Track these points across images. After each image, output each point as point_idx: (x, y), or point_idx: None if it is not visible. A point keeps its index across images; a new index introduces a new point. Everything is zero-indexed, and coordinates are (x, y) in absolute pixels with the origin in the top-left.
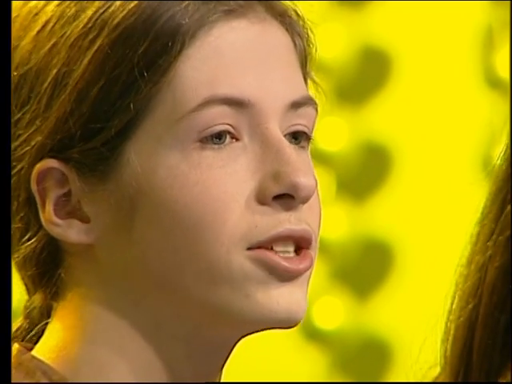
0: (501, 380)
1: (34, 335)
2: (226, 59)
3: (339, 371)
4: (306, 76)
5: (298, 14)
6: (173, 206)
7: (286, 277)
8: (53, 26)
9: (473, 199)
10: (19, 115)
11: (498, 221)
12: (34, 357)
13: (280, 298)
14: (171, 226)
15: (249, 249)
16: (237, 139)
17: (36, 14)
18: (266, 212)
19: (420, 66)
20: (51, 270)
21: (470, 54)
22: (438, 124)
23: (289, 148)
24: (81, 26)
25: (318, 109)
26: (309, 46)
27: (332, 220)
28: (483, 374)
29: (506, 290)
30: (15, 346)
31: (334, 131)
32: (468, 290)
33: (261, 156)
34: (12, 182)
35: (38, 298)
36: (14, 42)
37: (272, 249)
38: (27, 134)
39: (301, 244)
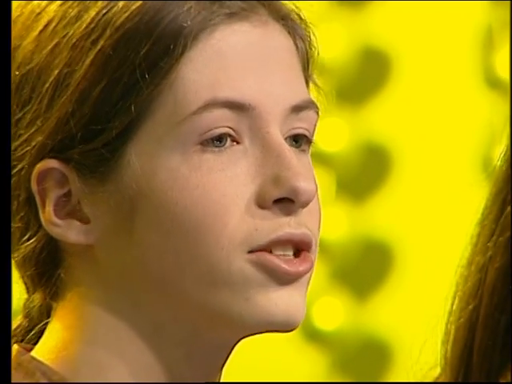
0: (501, 380)
1: (33, 335)
2: (228, 62)
3: (339, 371)
4: (307, 79)
5: (300, 17)
6: (173, 209)
7: (286, 279)
8: (55, 26)
9: (473, 200)
10: (20, 115)
11: (498, 222)
12: (33, 357)
13: (279, 300)
14: (171, 229)
15: (249, 252)
16: (237, 142)
17: (38, 14)
18: (266, 216)
19: (420, 66)
20: (51, 269)
21: (470, 54)
22: (438, 124)
23: (289, 152)
24: (83, 27)
25: (320, 112)
26: (311, 49)
27: (332, 220)
28: (483, 374)
29: (506, 291)
30: (15, 347)
31: (334, 131)
32: (468, 290)
33: (261, 160)
34: (12, 181)
35: (37, 297)
36: (16, 42)
37: (271, 252)
38: (28, 133)
39: (301, 248)
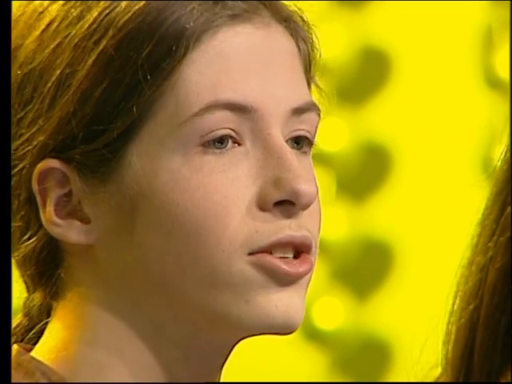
0: (502, 380)
1: (33, 334)
2: (230, 64)
3: (339, 371)
4: (309, 81)
5: (303, 19)
6: (174, 210)
7: (286, 281)
8: (57, 26)
9: (473, 200)
10: (22, 114)
11: (498, 222)
12: (33, 357)
13: (279, 301)
14: (172, 230)
15: (249, 254)
16: (239, 144)
17: (41, 13)
18: (266, 218)
19: (420, 66)
20: (51, 269)
21: (470, 54)
22: (438, 124)
23: (290, 154)
24: (86, 27)
25: (321, 114)
26: (313, 50)
27: (332, 220)
28: (484, 374)
29: (507, 291)
30: (14, 347)
31: (334, 131)
32: (469, 291)
33: (262, 162)
34: (13, 181)
35: (37, 296)
36: (18, 41)
37: (271, 254)
38: (29, 133)
39: (301, 250)
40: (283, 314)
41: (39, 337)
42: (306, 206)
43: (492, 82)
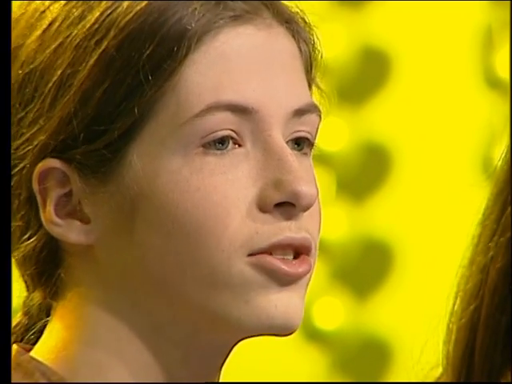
0: (502, 380)
1: (33, 334)
2: (232, 65)
3: (339, 371)
4: (310, 82)
5: (304, 21)
6: (174, 211)
7: (286, 281)
8: (59, 26)
9: (472, 200)
10: (22, 114)
11: (499, 222)
12: (32, 357)
13: (278, 302)
14: (172, 231)
15: (249, 255)
16: (239, 145)
17: (42, 12)
18: (266, 220)
19: (420, 66)
20: (51, 269)
21: (470, 54)
22: (438, 124)
23: (291, 156)
24: (87, 27)
25: (322, 115)
26: (314, 52)
27: (332, 220)
28: (485, 374)
29: (508, 291)
30: (14, 347)
31: (334, 131)
32: (470, 291)
33: (263, 163)
34: (13, 180)
35: (37, 296)
36: (19, 40)
37: (271, 254)
38: (30, 133)
39: (300, 252)
40: (283, 315)
41: (39, 337)
42: (306, 208)
43: (492, 82)
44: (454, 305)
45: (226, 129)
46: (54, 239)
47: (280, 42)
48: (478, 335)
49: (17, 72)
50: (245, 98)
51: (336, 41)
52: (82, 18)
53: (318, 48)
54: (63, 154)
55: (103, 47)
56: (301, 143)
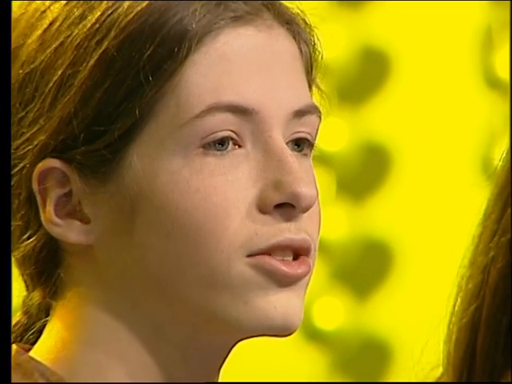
0: (503, 381)
1: (32, 334)
2: (232, 66)
3: (339, 371)
4: (310, 83)
5: (305, 22)
6: (173, 212)
7: (285, 282)
8: (59, 26)
9: (472, 200)
10: (23, 113)
11: (500, 222)
12: (31, 358)
13: (278, 303)
14: (172, 231)
15: (248, 256)
16: (239, 146)
17: (43, 12)
18: (266, 221)
19: (419, 66)
20: (50, 269)
21: (470, 54)
22: (438, 124)
23: (291, 157)
24: (88, 27)
25: (322, 116)
26: (315, 53)
27: (332, 220)
28: (486, 374)
29: (508, 292)
30: (13, 347)
31: (334, 131)
32: (470, 291)
33: (263, 164)
34: (13, 180)
35: (36, 295)
36: (19, 40)
37: (270, 256)
38: (30, 132)
39: (300, 253)
40: (282, 316)
41: (38, 337)
42: (306, 209)
43: (492, 82)
44: (454, 305)
45: (226, 130)
46: (54, 239)
47: (281, 43)
48: (478, 335)
49: (17, 72)
50: (245, 98)
51: (336, 41)
52: (82, 17)
53: (319, 49)
54: (63, 154)
55: (104, 47)
56: (301, 144)
